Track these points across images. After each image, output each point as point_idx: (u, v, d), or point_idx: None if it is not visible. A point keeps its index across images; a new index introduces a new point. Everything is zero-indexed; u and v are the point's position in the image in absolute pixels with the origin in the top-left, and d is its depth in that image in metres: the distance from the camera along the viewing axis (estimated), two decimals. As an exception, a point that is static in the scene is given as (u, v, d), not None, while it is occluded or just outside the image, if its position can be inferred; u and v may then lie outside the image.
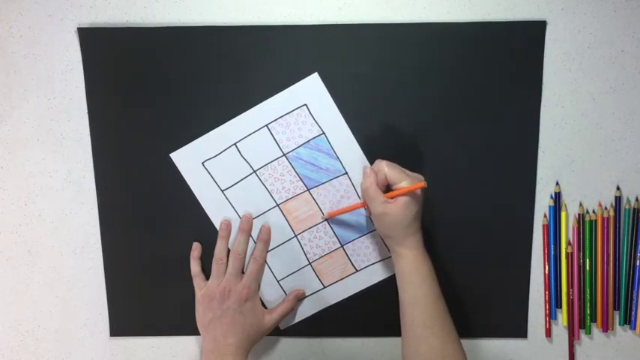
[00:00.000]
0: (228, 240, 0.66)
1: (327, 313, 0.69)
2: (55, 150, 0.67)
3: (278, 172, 0.66)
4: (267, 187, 0.66)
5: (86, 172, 0.67)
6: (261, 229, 0.67)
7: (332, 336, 0.70)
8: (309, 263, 0.68)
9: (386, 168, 0.59)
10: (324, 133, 0.65)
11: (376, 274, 0.68)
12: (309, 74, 0.64)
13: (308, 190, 0.66)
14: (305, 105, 0.64)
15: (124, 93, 0.65)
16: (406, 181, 0.59)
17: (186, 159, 0.65)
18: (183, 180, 0.66)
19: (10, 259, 0.69)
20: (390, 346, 0.69)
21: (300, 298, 0.68)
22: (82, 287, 0.69)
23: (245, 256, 0.66)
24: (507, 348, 0.69)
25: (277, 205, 0.66)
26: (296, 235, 0.67)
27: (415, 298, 0.59)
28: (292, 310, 0.67)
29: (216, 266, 0.65)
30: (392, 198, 0.59)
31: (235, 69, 0.64)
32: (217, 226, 0.67)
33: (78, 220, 0.68)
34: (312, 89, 0.64)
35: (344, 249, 0.67)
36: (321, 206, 0.66)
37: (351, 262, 0.68)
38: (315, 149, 0.65)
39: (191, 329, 0.68)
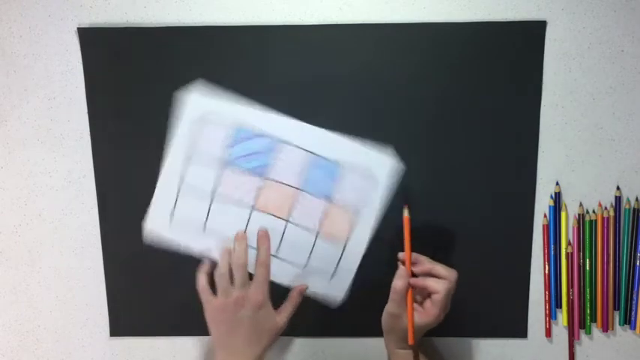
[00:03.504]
0: (229, 256, 0.65)
1: (327, 313, 0.68)
2: (55, 150, 0.67)
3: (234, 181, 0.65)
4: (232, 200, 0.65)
5: (86, 172, 0.67)
6: (258, 234, 0.65)
7: (332, 336, 0.70)
8: (317, 234, 0.67)
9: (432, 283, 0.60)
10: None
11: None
12: (309, 74, 0.63)
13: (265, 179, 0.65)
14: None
15: (123, 93, 0.65)
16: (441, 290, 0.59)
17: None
18: (183, 180, 0.66)
19: (10, 259, 0.69)
20: (390, 346, 0.69)
21: (304, 292, 0.67)
22: (82, 287, 0.69)
23: (247, 265, 0.64)
24: (507, 348, 0.69)
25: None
26: (288, 221, 0.66)
27: None
28: (298, 305, 0.67)
29: (220, 280, 0.63)
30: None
31: (235, 69, 0.64)
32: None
33: (78, 220, 0.68)
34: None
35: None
36: (286, 182, 0.65)
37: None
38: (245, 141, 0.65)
39: (191, 329, 0.68)
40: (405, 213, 0.62)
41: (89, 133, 0.66)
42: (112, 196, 0.67)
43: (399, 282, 0.60)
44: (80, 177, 0.67)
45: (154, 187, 0.66)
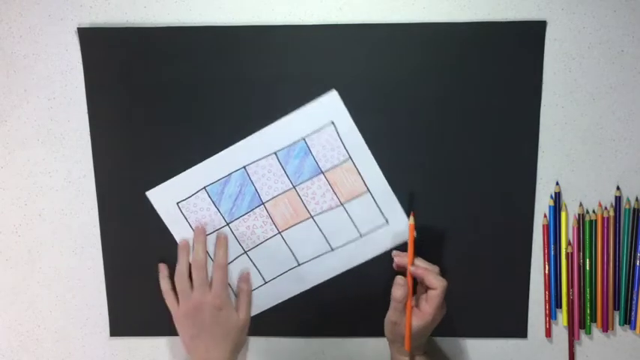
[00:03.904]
0: (188, 256, 0.66)
1: (327, 313, 0.69)
2: (55, 150, 0.67)
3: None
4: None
5: (86, 172, 0.67)
6: (217, 237, 0.66)
7: (332, 336, 0.70)
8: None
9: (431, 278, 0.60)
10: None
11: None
12: (310, 74, 0.64)
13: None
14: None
15: (123, 93, 0.65)
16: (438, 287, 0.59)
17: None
18: (183, 180, 0.66)
19: (10, 259, 0.69)
20: (390, 346, 0.69)
21: (248, 278, 0.67)
22: (82, 287, 0.69)
23: (207, 265, 0.65)
24: (507, 348, 0.69)
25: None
26: (312, 217, 0.66)
27: None
28: (250, 294, 0.67)
29: (178, 281, 0.64)
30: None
31: (235, 69, 0.64)
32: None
33: (78, 220, 0.68)
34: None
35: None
36: (281, 191, 0.66)
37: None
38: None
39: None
40: (410, 220, 0.63)
41: (89, 133, 0.66)
42: (112, 196, 0.67)
43: (398, 291, 0.60)
44: (80, 177, 0.67)
45: (154, 187, 0.66)
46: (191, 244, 0.66)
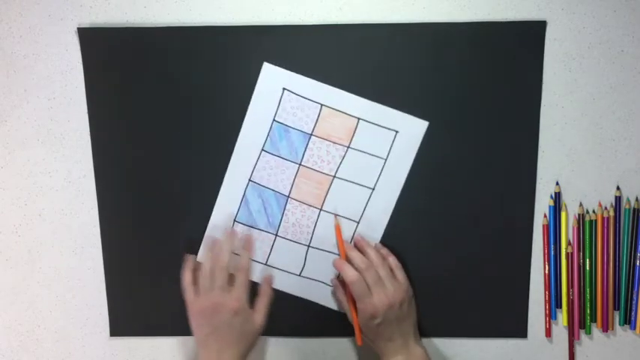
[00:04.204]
0: (211, 254, 0.65)
1: (327, 313, 0.69)
2: (55, 150, 0.67)
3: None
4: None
5: (86, 172, 0.67)
6: (244, 239, 0.67)
7: (332, 336, 0.70)
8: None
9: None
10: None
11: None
12: (310, 74, 0.63)
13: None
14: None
15: (124, 93, 0.65)
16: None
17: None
18: (184, 179, 0.66)
19: (10, 259, 0.69)
20: (390, 346, 0.69)
21: (271, 281, 0.68)
22: (82, 287, 0.69)
23: (228, 267, 0.64)
24: (507, 348, 0.69)
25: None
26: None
27: None
28: (271, 297, 0.67)
29: (202, 281, 0.64)
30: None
31: (235, 69, 0.64)
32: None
33: (78, 220, 0.68)
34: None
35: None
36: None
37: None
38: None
39: (191, 329, 0.68)
40: (335, 222, 0.66)
41: (89, 133, 0.66)
42: (111, 196, 0.67)
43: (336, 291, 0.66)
44: (80, 177, 0.67)
45: (154, 187, 0.66)
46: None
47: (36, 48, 0.65)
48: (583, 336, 0.68)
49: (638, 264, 0.66)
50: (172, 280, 0.68)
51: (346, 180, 0.65)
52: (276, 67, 0.63)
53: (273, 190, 0.65)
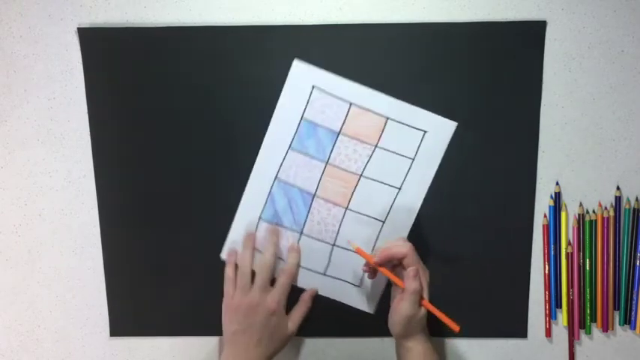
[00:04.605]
0: (252, 251, 0.65)
1: (327, 313, 0.68)
2: (55, 150, 0.67)
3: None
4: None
5: (86, 172, 0.67)
6: (289, 246, 0.66)
7: (332, 336, 0.70)
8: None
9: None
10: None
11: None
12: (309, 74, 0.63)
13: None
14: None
15: (124, 93, 0.65)
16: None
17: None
18: (184, 179, 0.66)
19: (10, 259, 0.69)
20: (391, 346, 0.69)
21: (314, 295, 0.67)
22: (82, 287, 0.69)
23: (273, 269, 0.64)
24: (507, 348, 0.69)
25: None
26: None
27: None
28: (309, 309, 0.67)
29: (241, 278, 0.63)
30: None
31: (235, 69, 0.64)
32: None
33: (78, 220, 0.68)
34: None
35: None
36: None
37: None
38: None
39: (191, 329, 0.68)
40: (355, 246, 0.63)
41: (89, 133, 0.66)
42: (111, 196, 0.67)
43: (414, 283, 0.59)
44: (80, 177, 0.67)
45: (154, 187, 0.66)
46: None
47: (36, 48, 0.65)
48: (583, 336, 0.68)
49: (638, 264, 0.66)
50: (172, 280, 0.68)
51: (373, 179, 0.65)
52: (307, 65, 0.63)
53: (299, 188, 0.65)
